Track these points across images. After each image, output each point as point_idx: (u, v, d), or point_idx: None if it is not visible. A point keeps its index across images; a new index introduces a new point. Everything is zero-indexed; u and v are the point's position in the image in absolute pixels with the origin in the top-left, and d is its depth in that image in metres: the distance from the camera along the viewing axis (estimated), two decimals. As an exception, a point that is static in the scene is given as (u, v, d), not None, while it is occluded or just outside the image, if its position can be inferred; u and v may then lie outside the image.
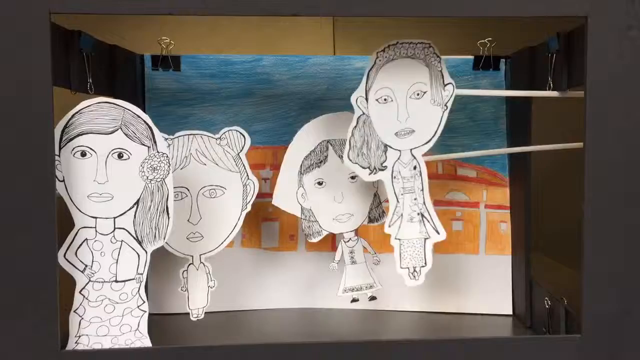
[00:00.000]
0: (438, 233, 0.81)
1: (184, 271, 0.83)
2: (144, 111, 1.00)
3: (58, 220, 0.69)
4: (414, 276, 0.81)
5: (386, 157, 0.80)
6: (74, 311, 0.73)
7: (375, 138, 0.80)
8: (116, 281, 0.74)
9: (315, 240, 0.90)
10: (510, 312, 1.00)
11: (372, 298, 0.92)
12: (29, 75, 0.66)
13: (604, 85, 0.70)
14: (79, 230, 0.73)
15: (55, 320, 0.69)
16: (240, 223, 0.83)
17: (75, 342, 0.73)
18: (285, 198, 0.89)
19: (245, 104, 1.01)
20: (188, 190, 0.83)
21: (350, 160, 0.81)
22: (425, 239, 0.81)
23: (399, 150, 0.80)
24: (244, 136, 0.82)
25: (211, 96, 1.01)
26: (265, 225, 1.03)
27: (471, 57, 1.01)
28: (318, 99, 1.02)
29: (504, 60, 1.00)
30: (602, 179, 0.70)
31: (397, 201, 0.81)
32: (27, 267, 0.68)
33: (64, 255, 0.73)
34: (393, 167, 0.80)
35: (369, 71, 0.79)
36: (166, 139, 0.79)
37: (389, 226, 0.81)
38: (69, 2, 0.67)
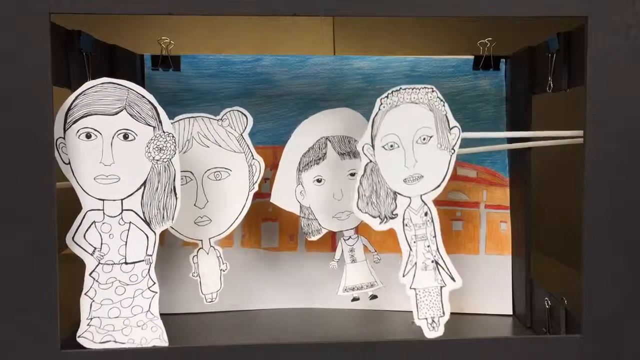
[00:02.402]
0: (454, 280, 0.80)
1: (194, 256, 0.82)
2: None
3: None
4: (433, 327, 0.78)
5: (396, 204, 0.79)
6: (85, 294, 0.73)
7: (384, 186, 0.78)
8: (126, 263, 0.74)
9: (314, 238, 0.89)
10: (510, 312, 1.00)
11: (373, 297, 0.91)
12: (29, 75, 0.66)
13: (604, 85, 0.70)
14: (86, 212, 0.73)
15: (55, 320, 0.68)
16: (249, 204, 0.82)
17: (88, 325, 0.73)
18: (283, 196, 0.88)
19: (245, 104, 1.01)
20: (192, 174, 0.82)
21: (360, 209, 0.79)
22: (441, 287, 0.79)
23: (409, 197, 0.79)
24: (245, 116, 0.81)
25: (211, 96, 1.01)
26: (265, 225, 1.03)
27: (471, 57, 1.01)
28: (318, 99, 1.02)
29: (504, 60, 1.00)
30: (602, 179, 0.70)
31: (410, 249, 0.79)
32: (27, 267, 0.68)
33: (73, 238, 0.73)
34: (404, 215, 0.79)
35: (374, 118, 0.78)
36: None
37: (403, 276, 0.79)
38: (68, 2, 0.67)
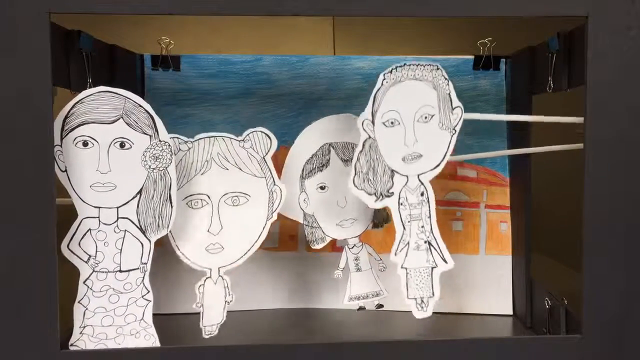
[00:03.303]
0: (446, 262, 0.79)
1: (200, 286, 0.78)
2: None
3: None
4: (422, 307, 0.78)
5: (393, 182, 0.78)
6: (79, 302, 0.73)
7: (381, 163, 0.77)
8: (120, 271, 0.74)
9: (318, 246, 0.88)
10: (510, 312, 1.00)
11: (379, 306, 0.90)
12: (29, 75, 0.66)
13: (604, 85, 0.70)
14: (82, 220, 0.73)
15: (55, 320, 0.68)
16: (265, 233, 0.79)
17: (80, 333, 0.73)
18: (287, 203, 0.86)
19: (245, 104, 1.01)
20: (209, 197, 0.78)
21: (356, 186, 0.78)
22: (432, 268, 0.79)
23: (406, 176, 0.78)
24: (269, 138, 0.77)
25: (211, 96, 1.01)
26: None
27: (471, 57, 1.01)
28: (318, 99, 1.02)
29: (504, 60, 1.01)
30: (602, 179, 0.70)
31: (404, 228, 0.78)
32: (27, 267, 0.68)
33: (67, 246, 0.73)
34: (400, 194, 0.78)
35: (375, 93, 0.76)
36: (186, 142, 0.77)
37: (395, 254, 0.79)
38: (68, 2, 0.67)
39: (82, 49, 0.81)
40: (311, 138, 0.87)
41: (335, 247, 1.01)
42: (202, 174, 0.78)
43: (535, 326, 0.93)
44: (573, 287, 0.76)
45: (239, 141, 0.78)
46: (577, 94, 0.75)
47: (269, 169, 0.78)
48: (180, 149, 0.76)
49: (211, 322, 0.78)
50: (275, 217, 0.79)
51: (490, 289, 1.00)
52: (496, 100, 1.01)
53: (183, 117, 1.01)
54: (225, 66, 1.02)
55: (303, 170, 0.87)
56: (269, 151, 0.78)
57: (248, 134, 0.77)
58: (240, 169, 0.78)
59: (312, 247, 0.88)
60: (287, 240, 1.04)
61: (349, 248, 0.89)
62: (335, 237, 0.88)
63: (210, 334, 0.78)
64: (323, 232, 0.87)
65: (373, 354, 0.72)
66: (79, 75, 0.81)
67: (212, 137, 0.77)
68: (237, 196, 0.78)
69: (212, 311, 0.78)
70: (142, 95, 0.99)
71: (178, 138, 0.76)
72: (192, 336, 0.92)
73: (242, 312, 1.01)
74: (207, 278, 0.78)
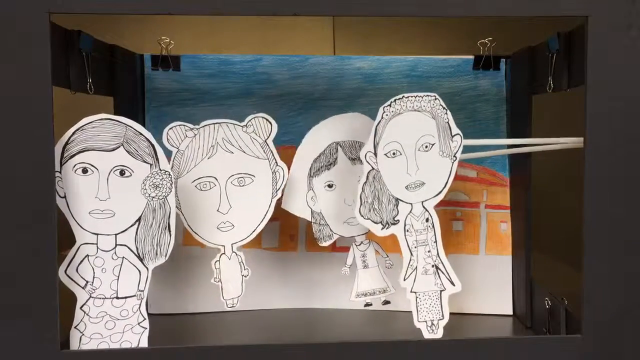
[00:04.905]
0: (453, 285, 0.81)
1: (216, 262, 0.82)
2: (144, 112, 1.00)
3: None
4: (433, 330, 0.80)
5: (398, 211, 0.80)
6: (75, 327, 0.73)
7: (386, 192, 0.80)
8: (117, 298, 0.74)
9: (325, 244, 0.89)
10: (510, 312, 1.00)
11: (386, 302, 0.91)
12: (29, 75, 0.66)
13: (604, 85, 0.70)
14: (80, 246, 0.73)
15: (55, 320, 0.69)
16: (271, 210, 0.83)
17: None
18: (295, 202, 0.88)
19: (245, 104, 1.01)
20: (216, 179, 0.82)
21: (362, 216, 0.80)
22: (440, 291, 0.81)
23: (411, 204, 0.80)
24: (270, 122, 0.82)
25: (211, 96, 1.01)
26: (265, 225, 1.03)
27: (471, 57, 1.01)
28: (318, 99, 1.02)
29: (504, 60, 1.00)
30: (602, 179, 0.70)
31: (411, 254, 0.80)
32: (27, 268, 0.68)
33: (65, 271, 0.73)
34: (405, 221, 0.80)
35: (376, 126, 0.78)
36: (192, 129, 0.80)
37: (404, 280, 0.80)
38: (68, 2, 0.67)
39: (82, 49, 0.81)
40: (319, 137, 0.87)
41: (335, 247, 1.01)
42: (208, 158, 0.82)
43: (535, 326, 0.93)
44: (573, 287, 0.76)
45: (242, 126, 0.82)
46: (577, 94, 0.75)
47: (271, 151, 0.83)
48: (187, 136, 0.80)
49: (231, 296, 0.83)
50: (279, 194, 0.83)
51: (490, 289, 1.00)
52: (496, 100, 1.01)
53: (183, 117, 1.00)
54: (225, 66, 1.01)
55: (311, 168, 0.88)
56: (270, 135, 0.82)
57: (250, 120, 0.82)
58: (244, 152, 0.82)
59: (320, 245, 0.89)
60: (287, 240, 1.04)
61: (357, 245, 0.90)
62: (343, 234, 0.89)
63: (232, 306, 0.83)
64: (331, 229, 0.88)
65: (373, 354, 0.72)
66: (79, 76, 0.81)
67: (216, 123, 0.82)
68: (242, 177, 0.82)
69: (230, 285, 0.83)
70: (142, 96, 1.00)
71: (184, 125, 0.80)
72: (192, 336, 0.92)
73: (241, 312, 1.01)
74: (221, 254, 0.83)
